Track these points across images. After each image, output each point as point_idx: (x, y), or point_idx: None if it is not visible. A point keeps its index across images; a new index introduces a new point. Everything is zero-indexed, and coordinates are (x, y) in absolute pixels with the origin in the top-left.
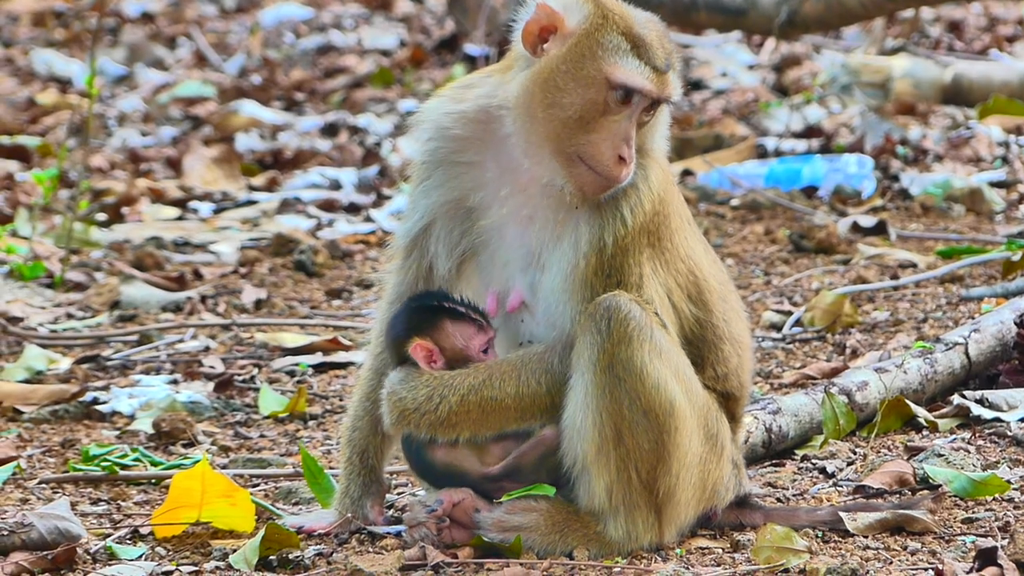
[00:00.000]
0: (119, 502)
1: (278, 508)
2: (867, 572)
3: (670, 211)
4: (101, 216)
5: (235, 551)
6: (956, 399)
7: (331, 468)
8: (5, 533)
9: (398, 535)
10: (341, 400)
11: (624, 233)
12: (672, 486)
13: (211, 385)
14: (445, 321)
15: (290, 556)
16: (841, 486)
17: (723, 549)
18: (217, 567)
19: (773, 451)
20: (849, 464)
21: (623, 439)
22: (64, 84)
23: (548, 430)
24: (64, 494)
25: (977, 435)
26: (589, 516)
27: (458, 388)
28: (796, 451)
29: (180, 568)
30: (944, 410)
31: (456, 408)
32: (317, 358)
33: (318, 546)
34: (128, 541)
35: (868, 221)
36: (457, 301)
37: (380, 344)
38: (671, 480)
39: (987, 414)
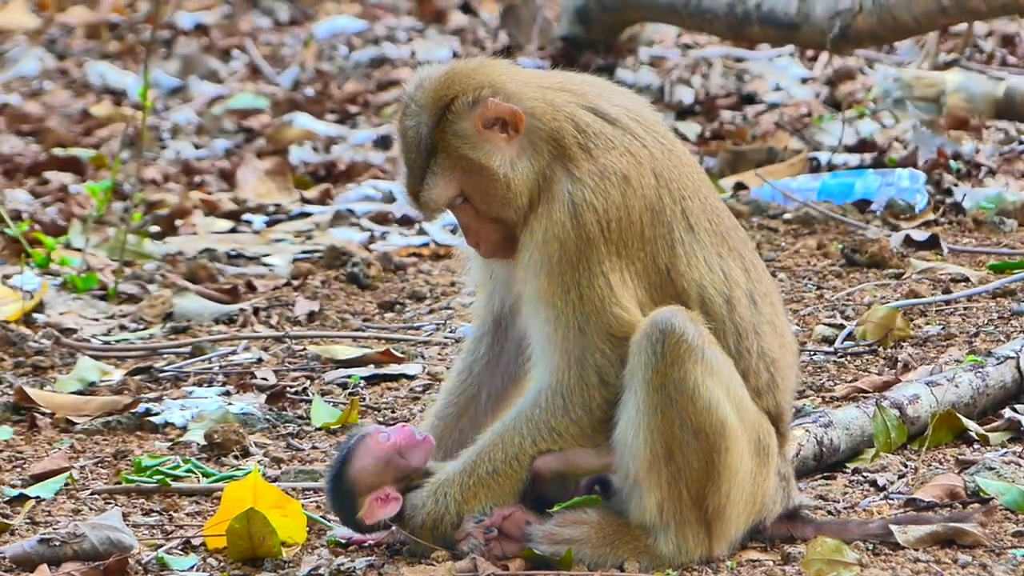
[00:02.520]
0: (171, 513)
1: (329, 520)
2: None
3: (638, 218)
4: (154, 228)
5: (288, 562)
6: (1007, 413)
7: None
8: (57, 544)
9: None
10: (393, 412)
11: (560, 249)
12: (722, 503)
13: (263, 397)
14: (357, 467)
15: (342, 567)
16: (892, 499)
17: (774, 561)
18: None
19: (824, 464)
20: (900, 477)
21: (674, 457)
22: (118, 96)
23: (537, 462)
24: (116, 505)
25: None
26: (640, 530)
27: (453, 480)
28: (847, 464)
29: None
30: (995, 424)
31: (461, 496)
32: (369, 370)
33: (368, 557)
34: (180, 552)
35: (920, 235)
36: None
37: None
38: (721, 498)
39: None
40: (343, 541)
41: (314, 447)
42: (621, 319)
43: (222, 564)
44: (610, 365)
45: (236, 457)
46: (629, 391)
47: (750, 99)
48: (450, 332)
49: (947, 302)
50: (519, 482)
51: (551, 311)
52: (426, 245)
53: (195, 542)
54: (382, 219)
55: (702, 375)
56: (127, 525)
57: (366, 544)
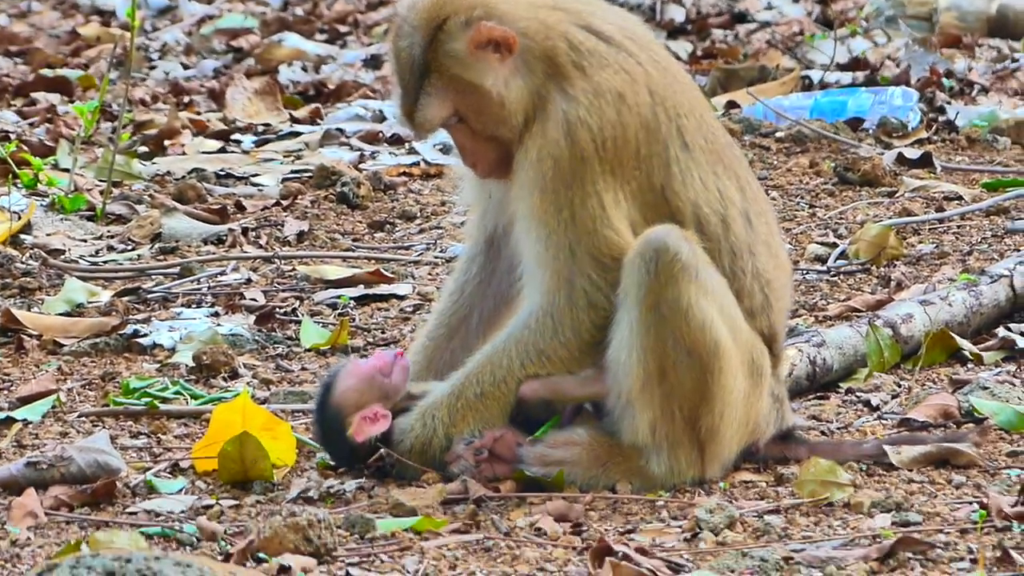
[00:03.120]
0: (159, 435)
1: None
2: (911, 505)
3: (633, 136)
4: (143, 149)
5: (277, 485)
6: (1001, 331)
7: None
8: (44, 467)
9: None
10: (383, 332)
11: (553, 167)
12: (715, 424)
13: (252, 318)
14: (341, 388)
15: (331, 490)
16: (885, 419)
17: (767, 483)
18: (258, 501)
19: (817, 384)
20: (894, 397)
21: (667, 377)
22: (106, 16)
23: (523, 388)
24: (104, 427)
25: (1023, 368)
26: (632, 451)
27: (441, 403)
28: (840, 384)
29: (220, 502)
30: (989, 343)
31: (449, 419)
32: (359, 291)
33: (358, 480)
34: (168, 475)
35: (913, 153)
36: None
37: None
38: (714, 419)
39: None
40: (332, 463)
41: (303, 368)
42: (612, 241)
43: (211, 487)
44: (599, 288)
45: (225, 379)
46: (622, 310)
47: (742, 17)
48: (440, 252)
49: (940, 220)
50: (507, 405)
51: (543, 230)
52: (416, 164)
53: (183, 465)
54: (372, 138)
55: (696, 295)
56: (115, 448)
57: (355, 468)
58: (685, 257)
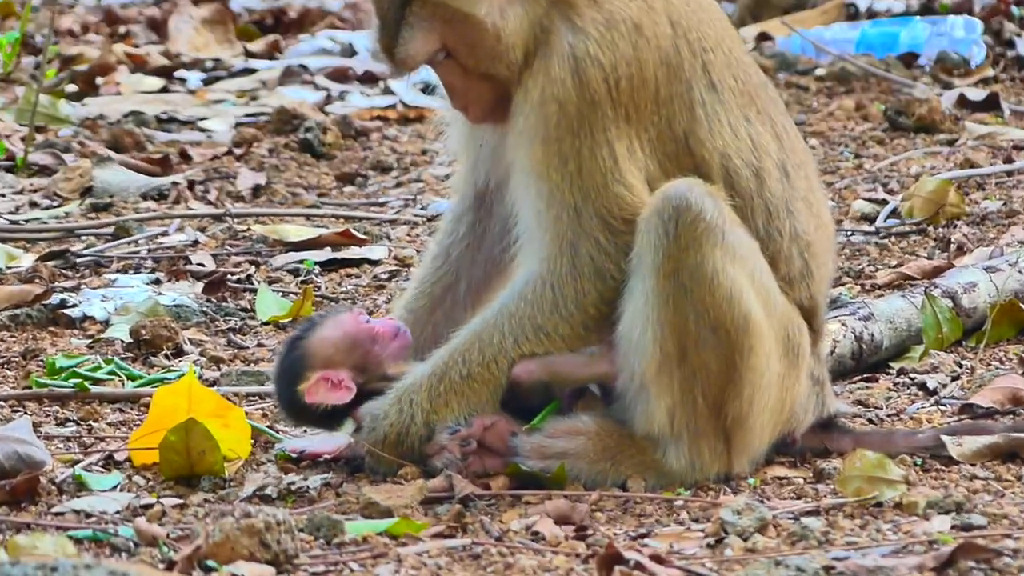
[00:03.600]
0: (90, 423)
1: (279, 431)
2: (974, 506)
3: (651, 75)
4: (71, 88)
5: (229, 481)
6: None
7: None
8: None
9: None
10: (354, 303)
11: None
12: (744, 411)
13: (200, 286)
14: (320, 335)
15: (292, 486)
16: (944, 405)
17: (804, 479)
18: (206, 499)
19: (864, 364)
20: (954, 379)
21: (688, 357)
22: None
23: (517, 368)
24: (26, 413)
25: None
26: (646, 441)
27: (420, 384)
28: (891, 364)
29: (162, 501)
30: None
31: (429, 404)
32: (325, 254)
33: (324, 475)
34: (100, 469)
35: (977, 94)
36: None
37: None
38: (742, 405)
39: None
40: (294, 455)
41: (259, 345)
42: (624, 199)
43: (151, 483)
44: (608, 254)
45: (167, 357)
46: (636, 278)
47: None
48: (421, 209)
49: (1008, 173)
50: (497, 389)
51: (544, 185)
52: (393, 107)
53: (119, 457)
54: (340, 76)
55: (722, 260)
56: (38, 437)
57: (322, 459)
58: (710, 216)
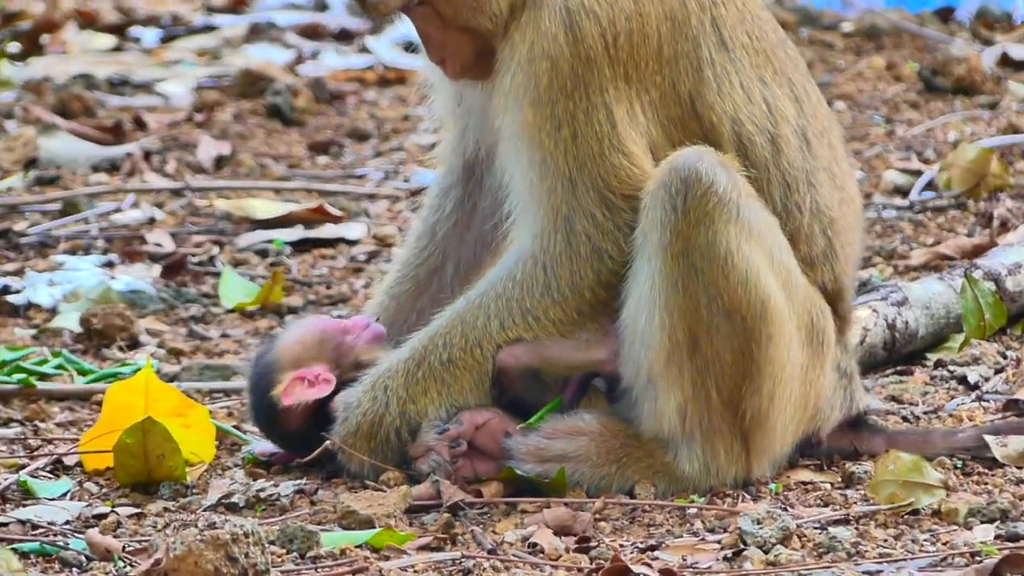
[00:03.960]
0: (36, 423)
1: (246, 431)
2: (1020, 514)
3: (654, 30)
4: (13, 46)
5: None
6: None
7: None
8: None
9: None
10: (328, 288)
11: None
12: (763, 408)
13: (157, 269)
14: (287, 340)
15: (262, 494)
16: (987, 400)
17: (832, 484)
18: (166, 508)
19: (898, 354)
20: (997, 372)
21: (700, 347)
22: None
23: (502, 354)
24: None
25: None
26: (654, 443)
27: (397, 370)
28: (928, 354)
29: (117, 510)
30: None
31: (406, 391)
32: (297, 232)
33: (297, 481)
34: (48, 474)
35: (1021, 52)
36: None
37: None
38: (761, 400)
39: None
40: (263, 459)
41: (224, 335)
42: (624, 169)
43: (104, 490)
44: (606, 232)
45: (122, 349)
46: (641, 260)
47: None
48: (404, 182)
49: None
50: (481, 376)
51: (536, 152)
52: (371, 68)
53: (68, 461)
54: (312, 33)
55: (737, 238)
56: None
57: (294, 463)
58: (723, 189)
